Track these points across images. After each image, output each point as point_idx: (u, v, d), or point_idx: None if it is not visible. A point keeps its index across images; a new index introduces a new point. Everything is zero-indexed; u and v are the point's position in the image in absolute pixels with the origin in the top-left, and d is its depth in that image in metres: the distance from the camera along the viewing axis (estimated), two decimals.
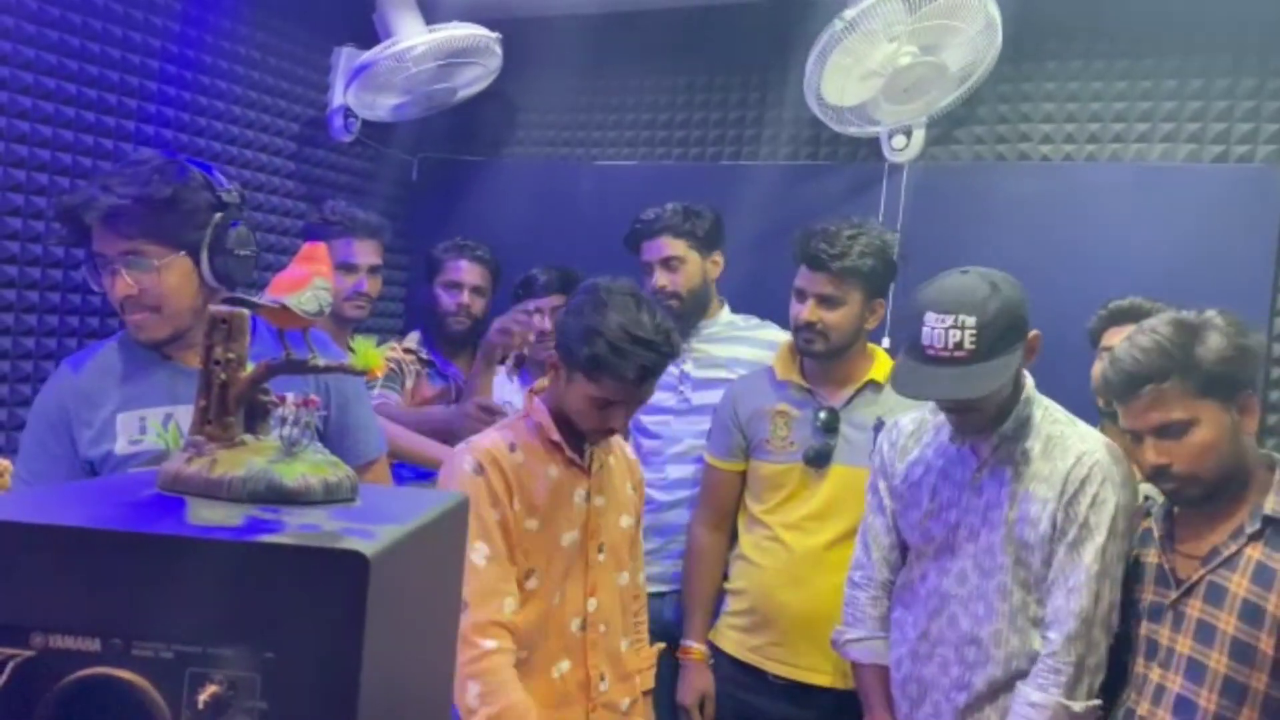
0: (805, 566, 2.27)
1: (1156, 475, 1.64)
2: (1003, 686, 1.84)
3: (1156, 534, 1.72)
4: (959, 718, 1.88)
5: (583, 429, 1.88)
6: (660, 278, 2.63)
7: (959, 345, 1.74)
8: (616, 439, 2.05)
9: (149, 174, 1.61)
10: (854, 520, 2.24)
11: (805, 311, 2.26)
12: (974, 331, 1.74)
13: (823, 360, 2.31)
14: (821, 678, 2.26)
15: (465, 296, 2.89)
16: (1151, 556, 1.70)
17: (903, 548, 2.04)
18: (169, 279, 1.63)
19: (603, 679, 1.92)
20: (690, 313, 2.64)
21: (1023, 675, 1.83)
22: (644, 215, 2.68)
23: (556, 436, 1.88)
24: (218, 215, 1.66)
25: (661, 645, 2.16)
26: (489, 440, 1.87)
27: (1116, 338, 2.29)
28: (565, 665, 1.87)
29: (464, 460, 1.83)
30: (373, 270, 2.70)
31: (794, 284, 2.31)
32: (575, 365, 1.82)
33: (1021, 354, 1.82)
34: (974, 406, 1.82)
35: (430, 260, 3.01)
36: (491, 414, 2.48)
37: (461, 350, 2.94)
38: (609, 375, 1.78)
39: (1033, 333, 1.85)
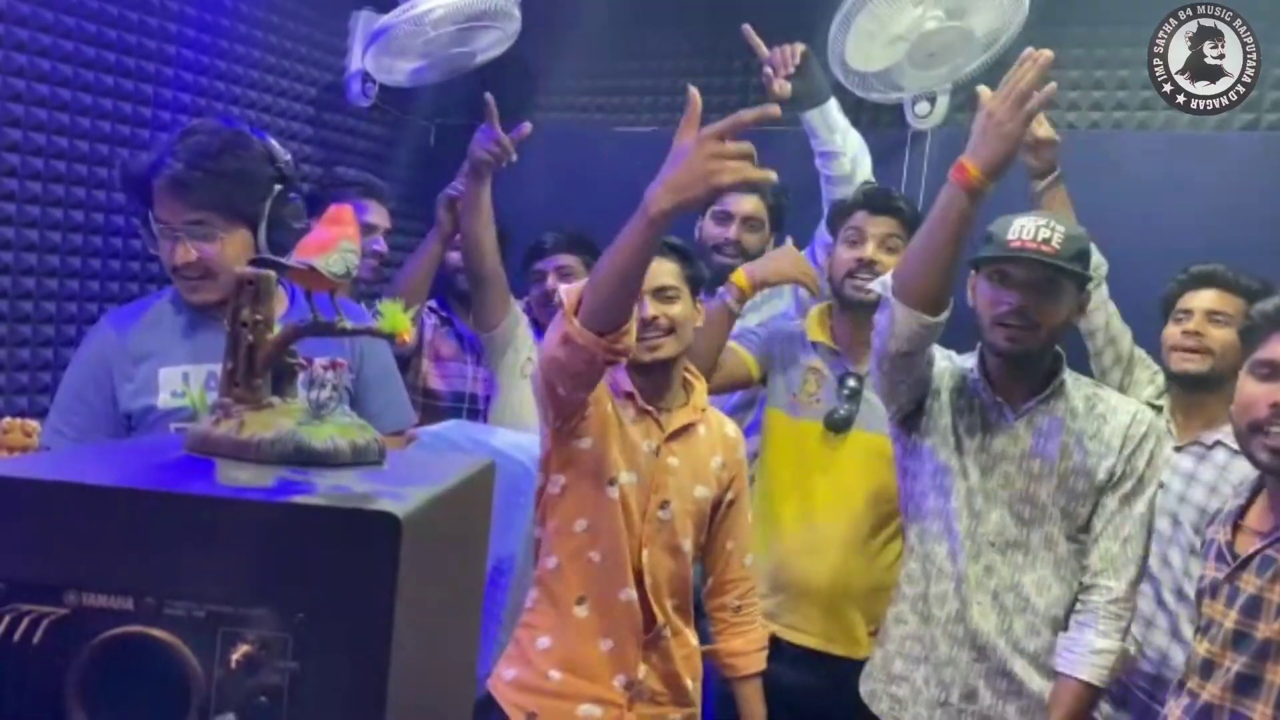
0: (823, 536, 2.27)
1: (1277, 417, 1.52)
2: (1041, 633, 1.87)
3: (1229, 509, 1.68)
4: (1005, 662, 1.88)
5: (636, 349, 1.86)
6: (738, 231, 2.64)
7: (1047, 241, 1.81)
8: (716, 416, 2.07)
9: (219, 146, 1.62)
10: (873, 491, 2.24)
11: (867, 250, 2.24)
12: (1062, 235, 1.82)
13: (868, 312, 2.28)
14: (835, 646, 2.26)
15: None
16: (1220, 534, 1.67)
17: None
18: (229, 249, 1.65)
19: (664, 625, 1.93)
20: None
21: (1058, 624, 1.86)
22: None
23: (630, 387, 1.94)
24: (277, 188, 1.68)
25: (769, 629, 2.15)
26: None
27: (1192, 301, 2.27)
28: (632, 594, 1.89)
29: None
30: (373, 229, 2.69)
31: (846, 232, 2.29)
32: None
33: (1080, 290, 1.89)
34: (1044, 309, 1.84)
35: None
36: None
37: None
38: None
39: (1087, 291, 1.94)
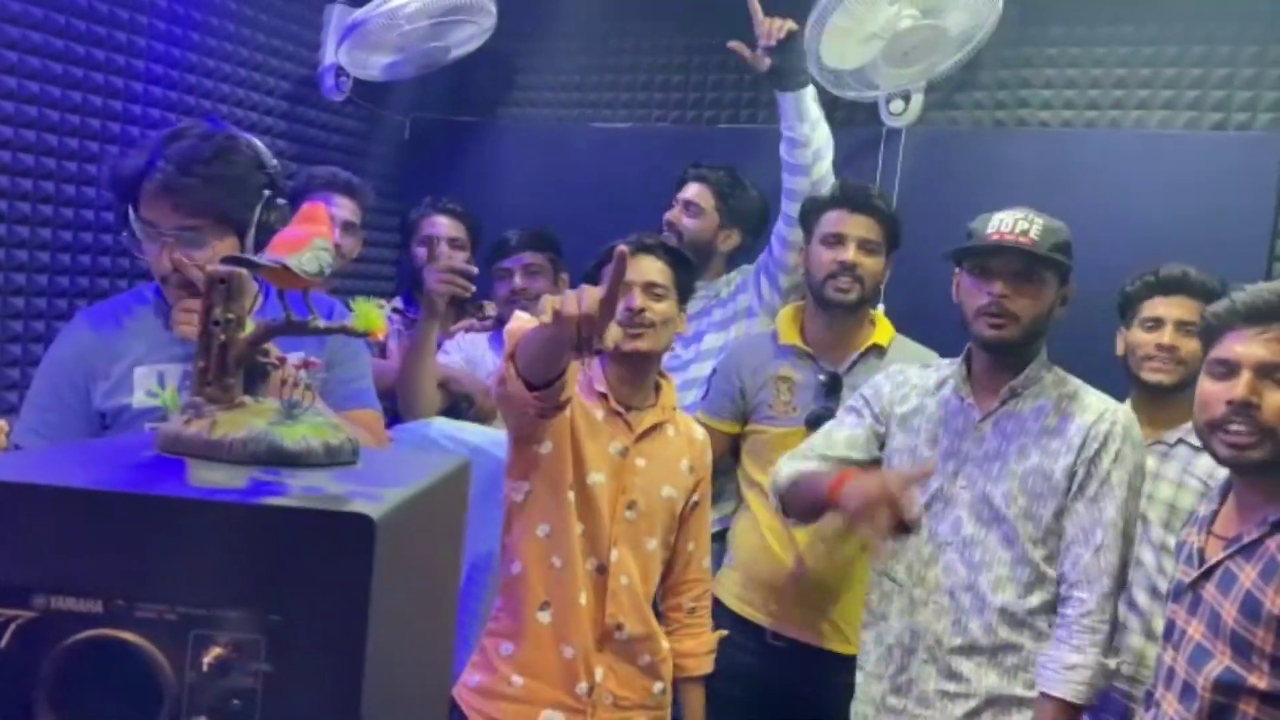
0: (804, 534, 2.27)
1: (1234, 415, 1.53)
2: (996, 633, 1.87)
3: (1202, 513, 1.69)
4: (953, 663, 1.89)
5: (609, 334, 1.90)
6: (674, 213, 2.71)
7: (1025, 233, 1.84)
8: (685, 419, 2.09)
9: (212, 151, 1.59)
10: None
11: (848, 253, 2.26)
12: (1040, 227, 1.85)
13: (847, 312, 2.29)
14: (818, 639, 2.27)
15: (442, 249, 2.87)
16: (1192, 536, 1.67)
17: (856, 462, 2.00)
18: (219, 257, 1.62)
19: (620, 627, 1.94)
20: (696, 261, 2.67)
21: (1016, 624, 1.85)
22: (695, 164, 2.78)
23: (601, 388, 1.96)
24: (266, 193, 1.66)
25: (723, 632, 2.15)
26: None
27: (1161, 309, 2.25)
28: (584, 599, 1.92)
29: None
30: (347, 227, 2.67)
31: (823, 231, 2.31)
32: (593, 280, 1.91)
33: (1062, 283, 1.90)
34: (1024, 300, 1.85)
35: (405, 224, 3.00)
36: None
37: (445, 310, 2.92)
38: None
39: (1071, 284, 1.94)
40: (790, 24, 2.53)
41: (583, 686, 1.92)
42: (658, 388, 2.03)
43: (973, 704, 1.87)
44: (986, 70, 3.01)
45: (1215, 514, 1.65)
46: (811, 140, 2.55)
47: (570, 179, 3.35)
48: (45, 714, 0.72)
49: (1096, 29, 2.91)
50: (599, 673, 1.93)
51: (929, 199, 2.87)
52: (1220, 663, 1.50)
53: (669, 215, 2.74)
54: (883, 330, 2.37)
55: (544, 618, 1.92)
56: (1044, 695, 1.79)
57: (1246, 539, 1.53)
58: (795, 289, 2.59)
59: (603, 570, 1.93)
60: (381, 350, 2.79)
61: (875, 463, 2.02)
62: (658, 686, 2.01)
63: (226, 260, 0.92)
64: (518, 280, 2.73)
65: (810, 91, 2.59)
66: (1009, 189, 2.69)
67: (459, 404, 2.62)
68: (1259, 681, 1.44)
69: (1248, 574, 1.49)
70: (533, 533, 1.92)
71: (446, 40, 3.14)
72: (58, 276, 2.48)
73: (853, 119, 3.12)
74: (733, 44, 2.60)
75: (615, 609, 1.94)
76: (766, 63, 2.54)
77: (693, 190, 2.72)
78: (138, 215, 1.62)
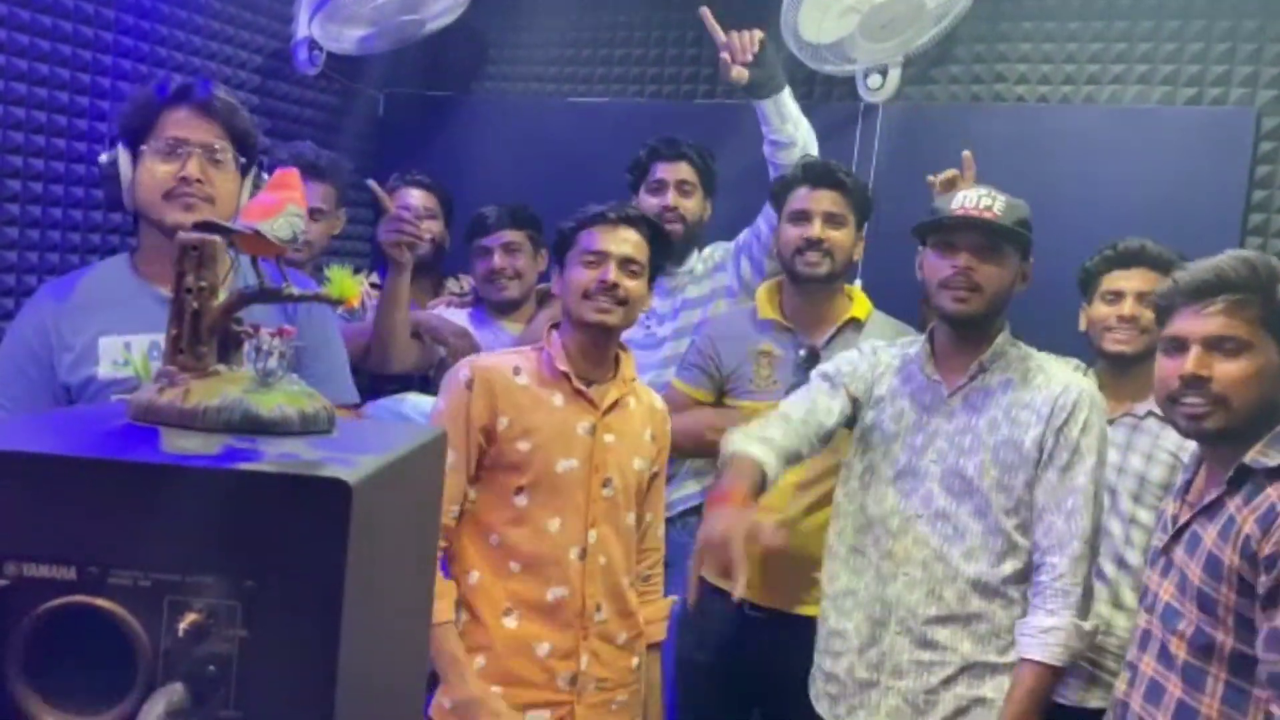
0: (784, 504, 2.29)
1: (1188, 388, 1.58)
2: (969, 602, 1.89)
3: (1178, 483, 1.73)
4: (928, 632, 1.91)
5: (584, 307, 1.91)
6: (673, 197, 2.65)
7: (989, 208, 1.88)
8: (644, 389, 2.08)
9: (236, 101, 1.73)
10: (832, 458, 2.26)
11: (814, 229, 2.28)
12: (1003, 203, 1.89)
13: (820, 286, 2.31)
14: (799, 607, 2.29)
15: (403, 211, 2.82)
16: (1170, 507, 1.71)
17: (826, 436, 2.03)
18: (227, 186, 1.68)
19: (599, 609, 1.94)
20: (685, 244, 2.66)
21: (988, 592, 1.88)
22: (661, 139, 2.71)
23: (564, 366, 1.93)
24: (256, 166, 1.75)
25: (674, 599, 2.16)
26: (491, 359, 1.99)
27: (1121, 281, 2.29)
28: (562, 591, 1.91)
29: (461, 371, 1.93)
30: (315, 214, 2.50)
31: (790, 209, 2.33)
32: (566, 244, 1.99)
33: (1023, 259, 1.94)
34: (988, 272, 1.88)
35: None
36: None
37: (420, 283, 2.90)
38: (593, 222, 1.96)
39: (1030, 260, 1.97)
40: (758, 34, 2.55)
41: (564, 678, 1.92)
42: (617, 359, 2.02)
43: (948, 671, 1.90)
44: (963, 45, 3.02)
45: (1189, 483, 1.69)
46: (797, 139, 2.57)
47: (546, 154, 3.33)
48: (18, 682, 0.71)
49: (1070, 3, 2.92)
50: (584, 660, 1.93)
51: (906, 174, 2.86)
52: (1190, 623, 1.53)
53: (667, 201, 2.64)
54: (860, 305, 2.39)
55: (510, 623, 1.90)
56: (1023, 660, 1.83)
57: (1208, 500, 1.57)
58: (778, 271, 2.59)
59: (583, 555, 1.92)
60: None
61: (850, 423, 2.06)
62: (634, 662, 2.02)
63: (198, 226, 0.91)
64: (497, 259, 2.70)
65: (787, 92, 2.59)
66: (985, 164, 2.71)
67: (434, 354, 2.61)
68: (1226, 639, 1.48)
69: (1209, 534, 1.52)
70: (485, 541, 1.91)
71: (421, 13, 3.11)
72: (27, 252, 2.45)
73: (830, 94, 3.12)
74: (723, 63, 2.58)
75: (593, 591, 1.93)
76: (746, 76, 2.55)
77: (684, 169, 2.68)
78: (153, 140, 1.64)
